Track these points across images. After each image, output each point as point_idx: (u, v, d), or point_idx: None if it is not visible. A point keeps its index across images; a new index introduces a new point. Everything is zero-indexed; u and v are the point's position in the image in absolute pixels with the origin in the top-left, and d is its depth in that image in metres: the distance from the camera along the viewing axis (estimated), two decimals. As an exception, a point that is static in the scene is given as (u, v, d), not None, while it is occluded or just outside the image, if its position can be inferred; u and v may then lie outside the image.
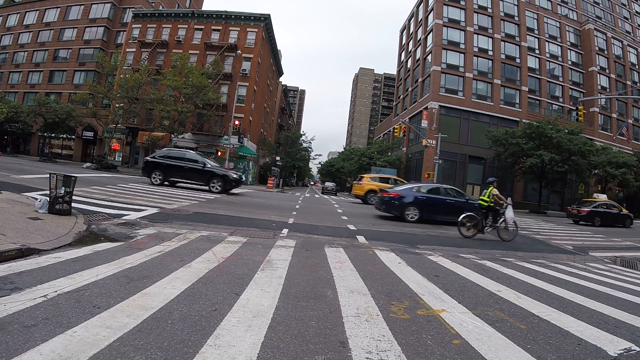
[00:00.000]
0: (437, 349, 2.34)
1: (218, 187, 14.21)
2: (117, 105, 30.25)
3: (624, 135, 37.75)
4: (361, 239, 7.10)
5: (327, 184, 45.62)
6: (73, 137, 39.30)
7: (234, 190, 16.10)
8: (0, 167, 13.48)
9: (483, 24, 36.95)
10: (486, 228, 8.90)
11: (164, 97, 28.11)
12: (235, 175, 14.91)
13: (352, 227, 8.74)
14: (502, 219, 8.92)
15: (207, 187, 14.35)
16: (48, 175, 5.74)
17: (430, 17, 38.02)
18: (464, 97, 34.94)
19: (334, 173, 66.96)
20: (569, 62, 40.94)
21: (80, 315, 2.31)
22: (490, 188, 8.99)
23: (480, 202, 9.18)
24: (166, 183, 14.72)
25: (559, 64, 40.47)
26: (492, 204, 8.91)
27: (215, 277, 3.56)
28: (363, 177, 17.74)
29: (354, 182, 18.95)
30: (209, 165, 14.73)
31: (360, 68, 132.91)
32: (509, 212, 8.85)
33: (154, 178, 14.38)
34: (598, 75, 40.04)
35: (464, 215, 8.89)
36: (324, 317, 2.74)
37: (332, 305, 3.04)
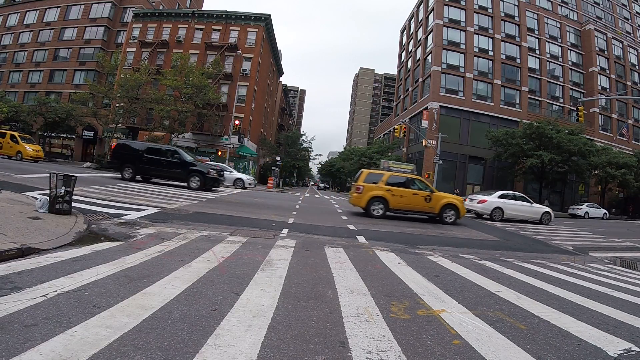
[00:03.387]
0: (437, 349, 2.34)
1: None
2: (117, 104, 30.25)
3: (624, 136, 37.75)
4: (361, 239, 7.10)
5: (320, 184, 78.66)
6: (73, 136, 39.28)
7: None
8: (1, 167, 13.49)
9: (483, 24, 36.95)
10: None
11: (164, 97, 28.09)
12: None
13: (352, 227, 8.74)
14: None
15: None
16: (48, 175, 5.74)
17: (431, 17, 38.03)
18: (464, 98, 34.94)
19: (334, 173, 67.10)
20: (569, 63, 40.95)
21: (80, 315, 2.30)
22: None
23: None
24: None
25: (559, 65, 40.47)
26: None
27: (215, 277, 3.55)
28: None
29: None
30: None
31: (361, 68, 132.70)
32: None
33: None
34: (598, 75, 40.05)
35: None
36: (324, 317, 2.73)
37: (332, 305, 3.04)
